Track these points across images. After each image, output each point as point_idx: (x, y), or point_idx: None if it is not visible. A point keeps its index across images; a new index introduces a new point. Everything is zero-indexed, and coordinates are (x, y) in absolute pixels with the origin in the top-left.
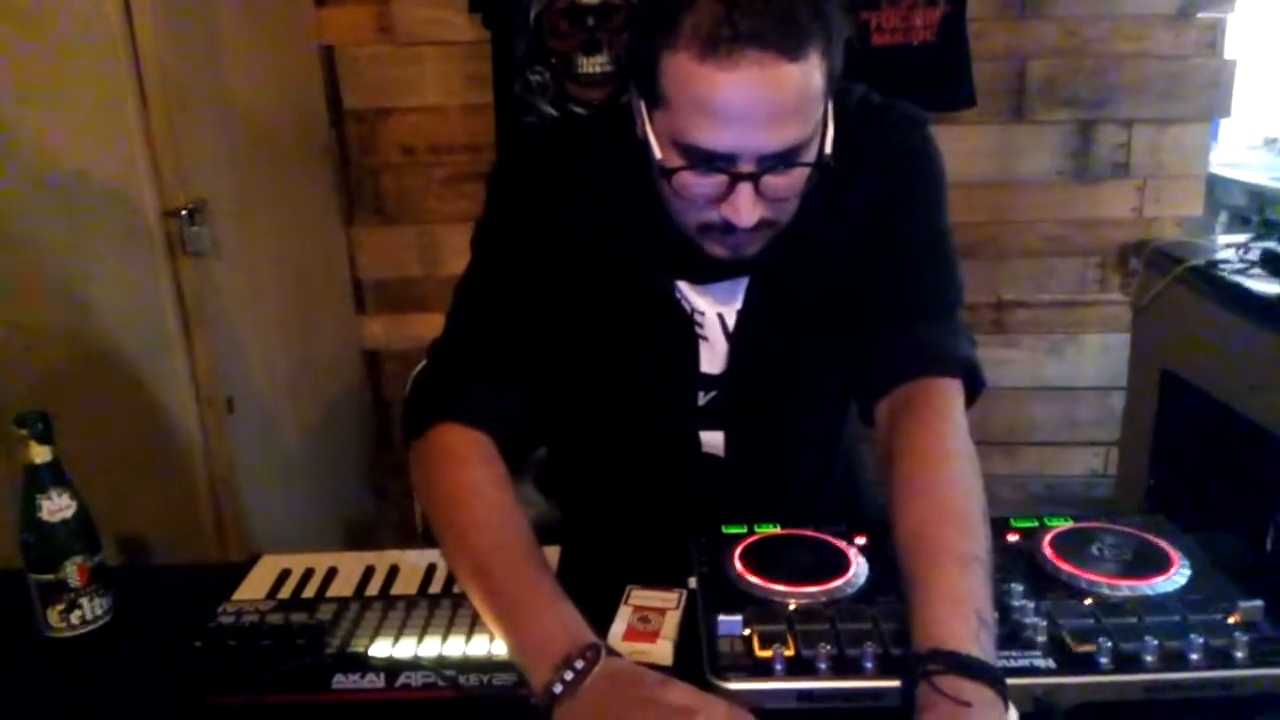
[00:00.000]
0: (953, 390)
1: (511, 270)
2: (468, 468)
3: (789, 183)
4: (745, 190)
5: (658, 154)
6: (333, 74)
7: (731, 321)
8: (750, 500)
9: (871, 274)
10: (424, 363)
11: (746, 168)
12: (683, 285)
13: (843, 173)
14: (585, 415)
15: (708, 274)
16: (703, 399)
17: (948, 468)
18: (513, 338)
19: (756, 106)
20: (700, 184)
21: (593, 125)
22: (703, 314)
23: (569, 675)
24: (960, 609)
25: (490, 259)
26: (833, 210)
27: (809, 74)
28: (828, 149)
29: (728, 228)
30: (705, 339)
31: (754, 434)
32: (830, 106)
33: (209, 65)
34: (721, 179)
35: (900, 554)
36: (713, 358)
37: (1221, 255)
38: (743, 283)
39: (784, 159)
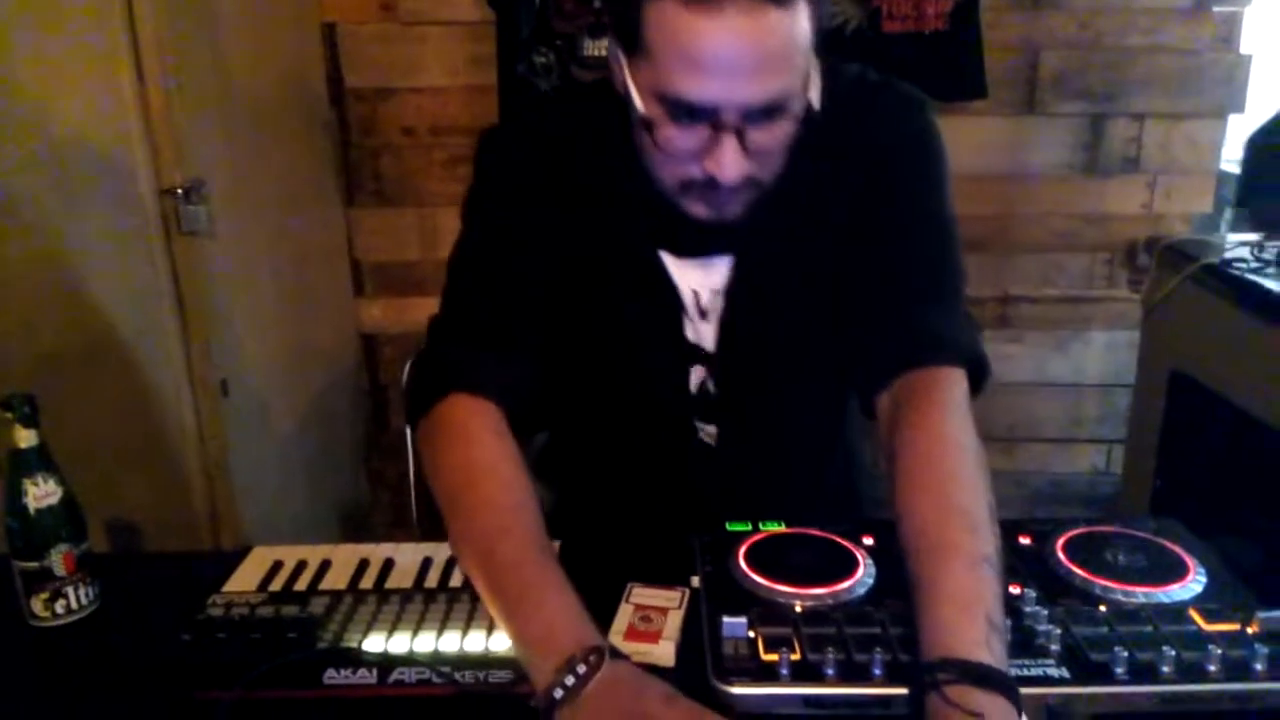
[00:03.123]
0: (956, 379)
1: (506, 232)
2: (478, 443)
3: (773, 136)
4: (729, 143)
5: (639, 107)
6: (334, 52)
7: (705, 298)
8: (746, 492)
9: (869, 257)
10: (421, 345)
11: (730, 120)
12: (665, 256)
13: (836, 150)
14: (584, 397)
15: (691, 246)
16: (694, 381)
17: (952, 463)
18: (515, 302)
19: (742, 55)
20: (682, 137)
21: (584, 92)
22: (682, 288)
23: (570, 680)
24: (969, 613)
25: (484, 224)
26: (824, 188)
27: (796, 21)
28: (814, 103)
29: (710, 184)
30: (686, 312)
31: (747, 422)
32: (815, 60)
33: (208, 41)
34: (704, 132)
35: (905, 556)
36: (697, 332)
37: (1235, 254)
38: (726, 260)
39: (768, 111)
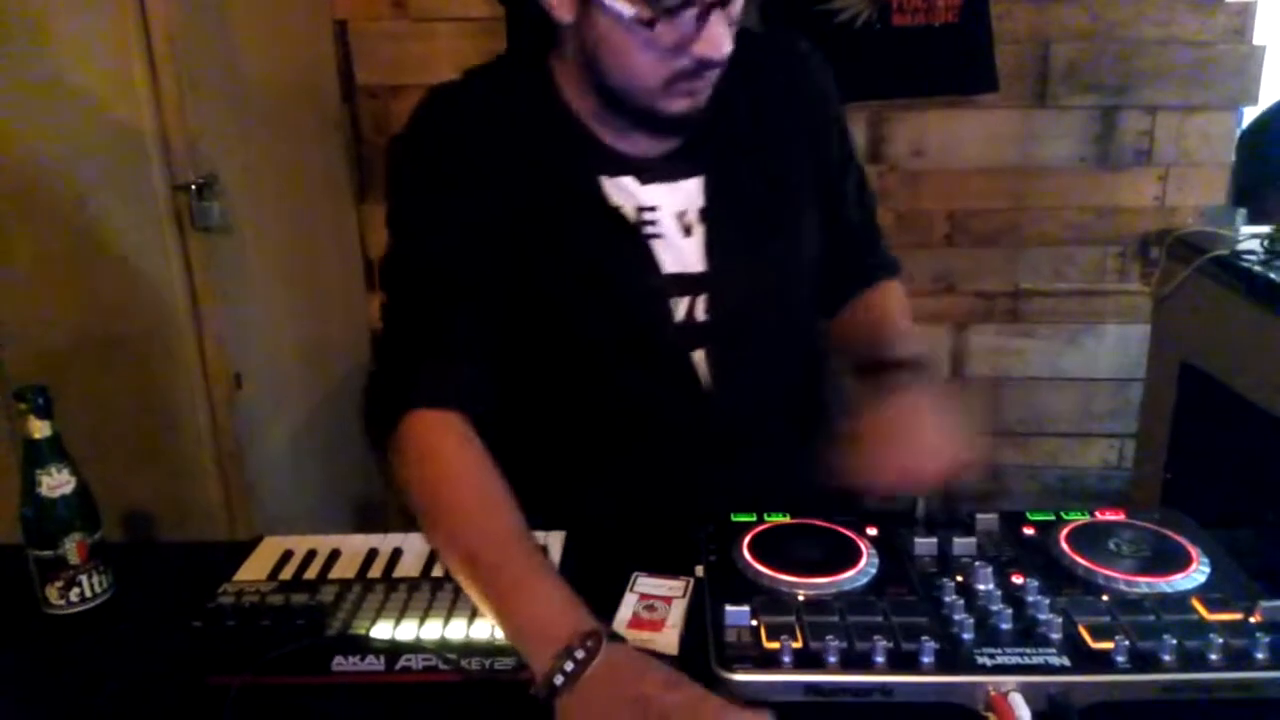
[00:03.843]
0: (897, 286)
1: (438, 228)
2: (443, 456)
3: (738, 8)
4: (720, 19)
5: (628, 11)
6: (345, 49)
7: (693, 219)
8: (739, 431)
9: (829, 189)
10: (370, 370)
11: None
12: (627, 181)
13: (782, 77)
14: (562, 373)
15: (657, 171)
16: (680, 311)
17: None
18: (458, 304)
19: None
20: (673, 28)
21: (472, 72)
22: (654, 209)
23: (569, 666)
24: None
25: (412, 227)
26: (779, 111)
27: None
28: None
29: (697, 71)
30: (661, 236)
31: (740, 345)
32: None
33: (220, 38)
34: (691, 16)
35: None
36: (678, 258)
37: (1246, 246)
38: (695, 181)
39: None
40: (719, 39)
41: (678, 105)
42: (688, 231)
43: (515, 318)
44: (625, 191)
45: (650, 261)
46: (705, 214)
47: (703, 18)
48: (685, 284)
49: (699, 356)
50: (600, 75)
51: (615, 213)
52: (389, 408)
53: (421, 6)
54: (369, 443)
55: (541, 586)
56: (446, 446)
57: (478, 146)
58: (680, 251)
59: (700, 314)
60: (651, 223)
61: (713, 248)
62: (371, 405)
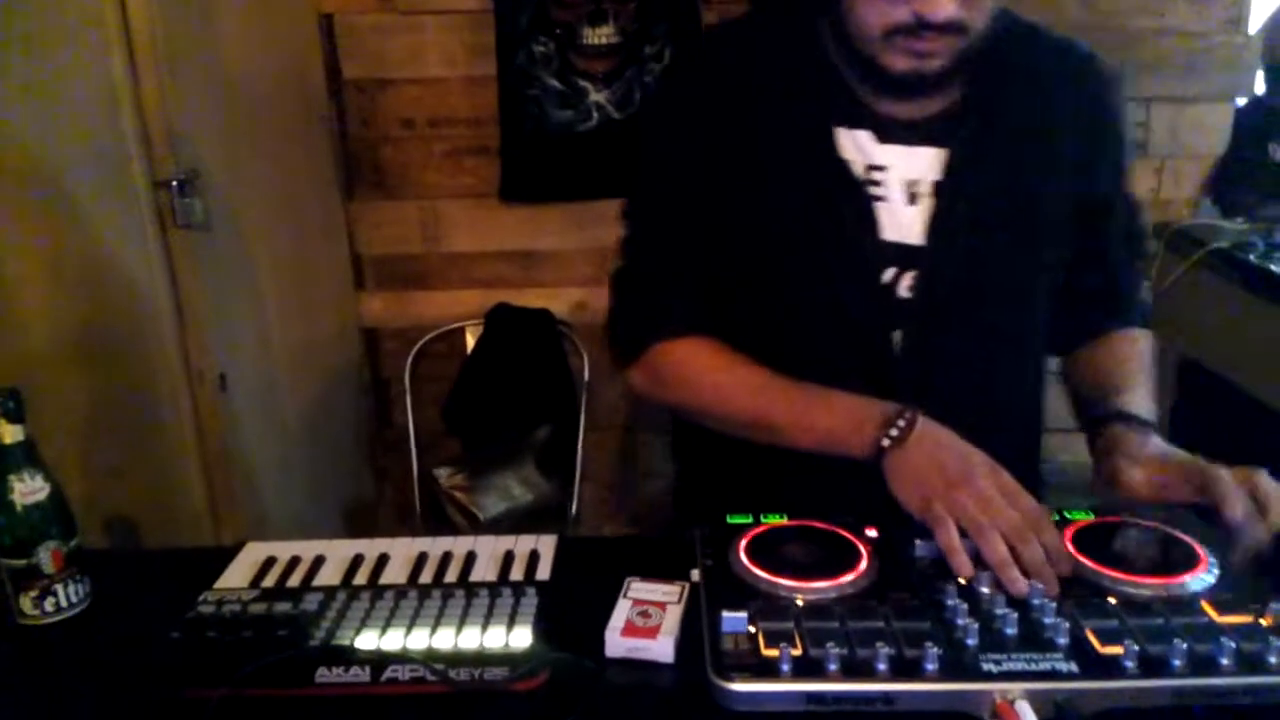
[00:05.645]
0: (1144, 334)
1: (684, 169)
2: (706, 365)
3: None
4: None
5: None
6: (332, 42)
7: (924, 190)
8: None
9: (1093, 214)
10: (616, 272)
11: None
12: (861, 136)
13: (1064, 88)
14: (764, 327)
15: (900, 132)
16: (889, 276)
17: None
18: (696, 244)
19: None
20: None
21: (742, 17)
22: (884, 169)
23: (895, 431)
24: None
25: (661, 165)
26: (1052, 119)
27: None
28: None
29: (914, 29)
30: (884, 200)
31: (936, 342)
32: None
33: (203, 30)
34: None
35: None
36: (896, 225)
37: (1245, 239)
38: (937, 152)
39: None
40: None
41: (900, 63)
42: (913, 200)
43: (727, 260)
44: (858, 146)
45: (870, 221)
46: (940, 187)
47: None
48: (897, 254)
49: (897, 337)
50: (840, 16)
51: (841, 164)
52: (639, 338)
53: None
54: (615, 365)
55: (842, 395)
56: (704, 360)
57: (729, 93)
58: (901, 220)
59: (903, 289)
60: (877, 183)
61: (937, 223)
62: (623, 333)
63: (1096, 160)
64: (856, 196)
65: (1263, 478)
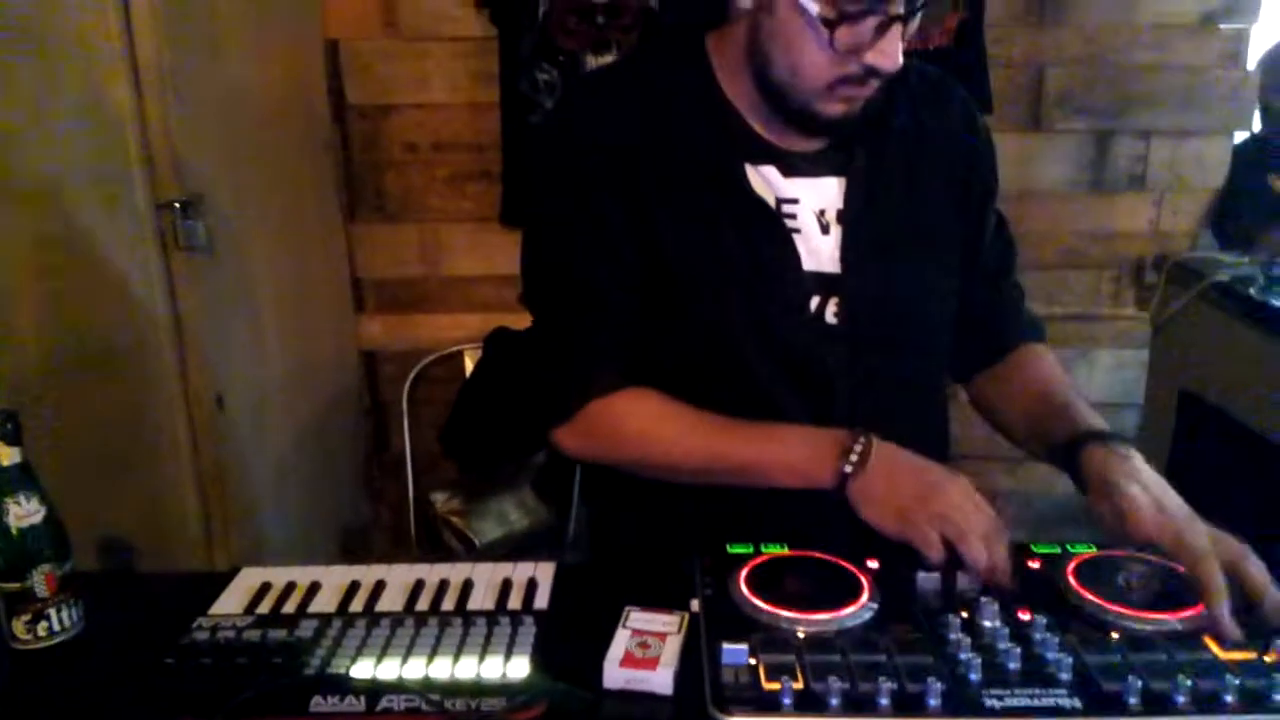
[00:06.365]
0: (1043, 351)
1: (596, 220)
2: (647, 417)
3: (914, 29)
4: (898, 33)
5: (814, 7)
6: (336, 68)
7: (831, 218)
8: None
9: (972, 219)
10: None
11: (896, 9)
12: (768, 171)
13: (941, 112)
14: (699, 364)
15: (800, 165)
16: (815, 305)
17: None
18: (620, 296)
19: None
20: (854, 32)
21: (622, 61)
22: (795, 202)
23: (854, 455)
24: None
25: (557, 227)
26: (936, 142)
27: None
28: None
29: (863, 79)
30: (799, 231)
31: (865, 363)
32: None
33: (208, 55)
34: (871, 24)
35: (1020, 413)
36: (814, 255)
37: (1245, 272)
38: (836, 181)
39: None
40: (894, 52)
41: (834, 109)
42: (825, 230)
43: (652, 306)
44: (767, 181)
45: (792, 253)
46: (842, 216)
47: (883, 29)
48: (818, 283)
49: (830, 364)
50: (764, 65)
51: (759, 201)
52: (566, 397)
53: (414, 26)
54: (539, 427)
55: (792, 429)
56: (643, 404)
57: (620, 133)
58: (818, 249)
59: (830, 316)
60: (791, 216)
61: (847, 250)
62: (544, 395)
63: (972, 180)
64: (776, 230)
65: (1250, 565)
